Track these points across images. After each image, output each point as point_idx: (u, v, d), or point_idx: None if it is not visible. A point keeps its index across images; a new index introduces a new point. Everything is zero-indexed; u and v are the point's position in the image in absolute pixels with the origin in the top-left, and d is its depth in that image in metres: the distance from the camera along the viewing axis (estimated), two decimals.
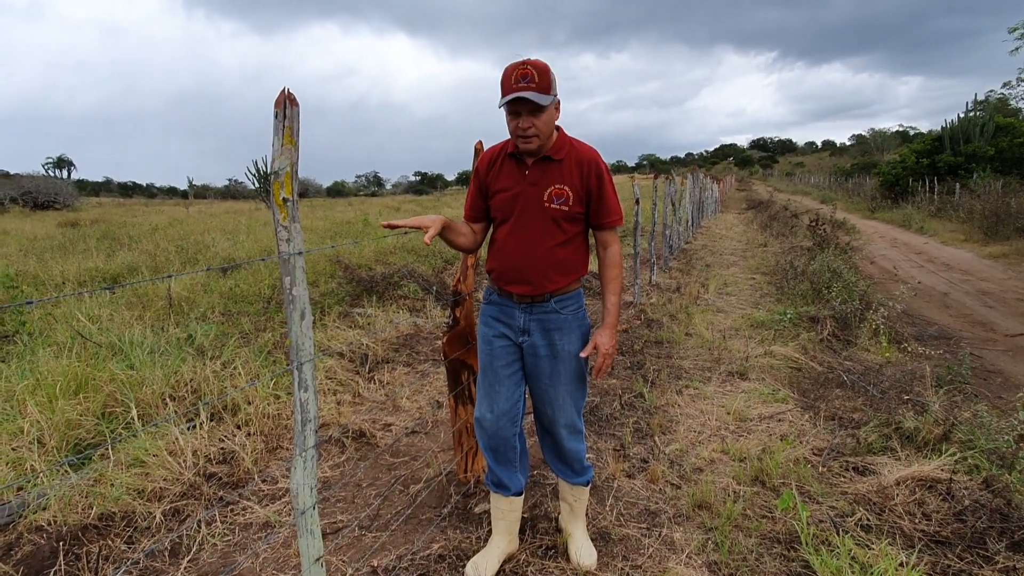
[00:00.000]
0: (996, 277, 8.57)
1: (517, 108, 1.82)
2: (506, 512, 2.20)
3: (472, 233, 2.10)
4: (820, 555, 2.14)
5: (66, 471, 2.78)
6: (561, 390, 2.06)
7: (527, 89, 1.77)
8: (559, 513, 2.41)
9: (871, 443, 3.05)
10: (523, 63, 1.79)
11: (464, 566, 2.17)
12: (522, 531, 2.39)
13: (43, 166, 66.03)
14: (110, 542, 2.38)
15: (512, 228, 1.97)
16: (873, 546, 2.22)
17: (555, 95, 1.84)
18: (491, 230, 2.13)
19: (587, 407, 3.64)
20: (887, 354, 4.65)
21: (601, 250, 2.09)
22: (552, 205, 1.94)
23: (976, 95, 24.54)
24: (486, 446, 2.15)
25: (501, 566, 2.19)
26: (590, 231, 2.10)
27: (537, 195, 1.94)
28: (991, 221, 12.56)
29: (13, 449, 2.85)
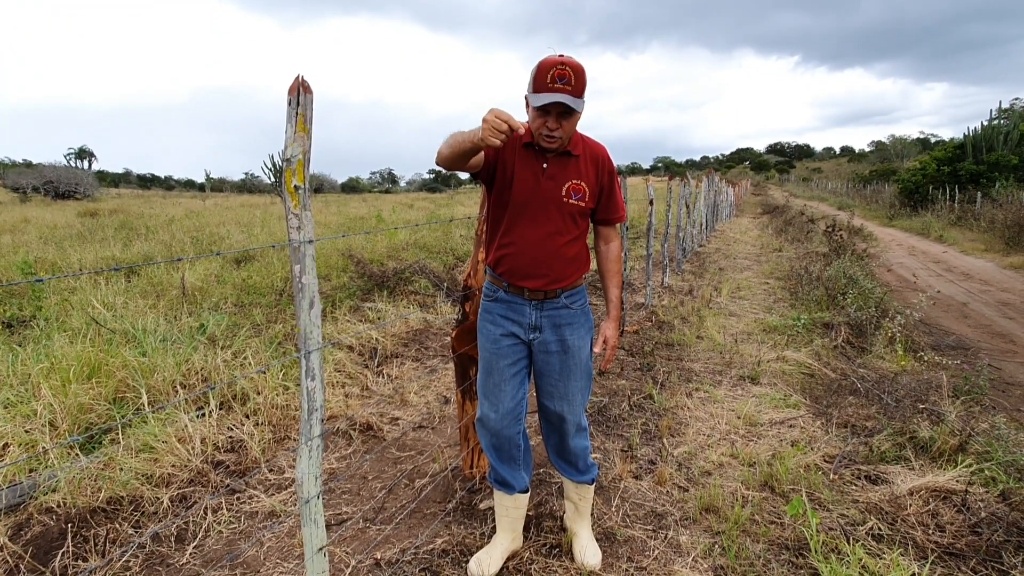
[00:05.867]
0: (1017, 288, 8.39)
1: (549, 108, 1.77)
2: (510, 509, 2.19)
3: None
4: (829, 563, 2.10)
5: (76, 454, 2.81)
6: (571, 386, 2.04)
7: (563, 91, 1.72)
8: (564, 512, 2.39)
9: (884, 452, 2.99)
10: (561, 62, 1.72)
11: (467, 562, 2.16)
12: (527, 529, 2.37)
13: (65, 156, 67.27)
14: (118, 525, 2.41)
15: (529, 222, 1.92)
16: (884, 556, 2.17)
17: (585, 99, 1.79)
18: (498, 224, 2.00)
19: (595, 407, 3.62)
20: (903, 363, 4.57)
21: (603, 244, 2.09)
22: (571, 200, 1.92)
23: (1000, 103, 24.04)
24: (489, 445, 2.13)
25: (505, 563, 2.17)
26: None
27: (555, 189, 1.91)
28: (1013, 231, 12.30)
29: (26, 431, 2.89)
